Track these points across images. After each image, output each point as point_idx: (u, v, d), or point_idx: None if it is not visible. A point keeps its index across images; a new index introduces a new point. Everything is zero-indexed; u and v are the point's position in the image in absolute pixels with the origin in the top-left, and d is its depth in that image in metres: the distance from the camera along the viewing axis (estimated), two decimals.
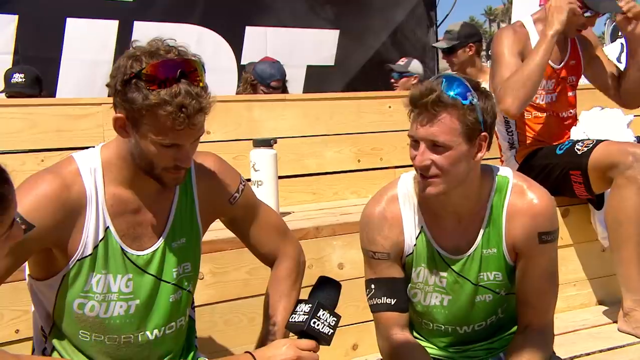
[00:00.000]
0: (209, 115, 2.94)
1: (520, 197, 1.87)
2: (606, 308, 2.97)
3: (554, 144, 3.00)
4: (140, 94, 1.51)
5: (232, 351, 2.34)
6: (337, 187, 3.35)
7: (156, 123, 1.52)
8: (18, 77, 4.05)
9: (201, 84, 1.54)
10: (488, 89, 3.77)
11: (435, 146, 1.75)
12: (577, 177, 2.85)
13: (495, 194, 1.88)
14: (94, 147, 1.70)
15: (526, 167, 3.00)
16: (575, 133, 3.07)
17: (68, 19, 4.66)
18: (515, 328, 1.98)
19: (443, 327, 1.97)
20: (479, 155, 1.79)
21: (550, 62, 2.97)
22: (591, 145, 2.82)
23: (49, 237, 1.58)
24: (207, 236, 1.97)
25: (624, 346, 2.57)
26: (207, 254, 2.29)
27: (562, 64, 3.04)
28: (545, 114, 3.05)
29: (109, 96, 1.63)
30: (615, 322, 2.74)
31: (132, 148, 1.61)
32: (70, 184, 1.61)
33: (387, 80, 4.99)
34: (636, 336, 2.63)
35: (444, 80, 1.75)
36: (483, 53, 5.20)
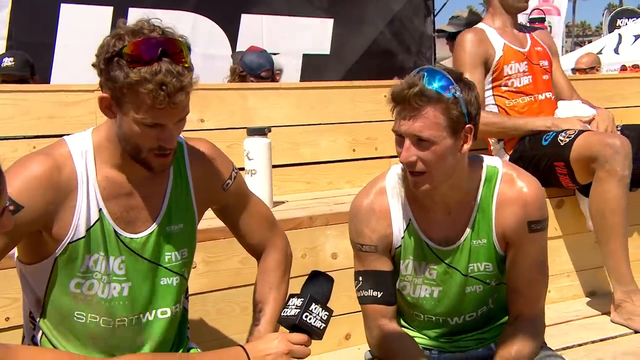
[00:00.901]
0: (202, 102, 2.91)
1: (510, 185, 1.87)
2: (599, 299, 2.97)
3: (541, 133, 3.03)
4: (122, 72, 1.51)
5: (225, 340, 2.34)
6: (331, 176, 3.34)
7: (137, 101, 1.52)
8: (8, 61, 4.05)
9: (185, 64, 1.53)
10: None
11: (420, 141, 1.74)
12: (561, 169, 2.87)
13: (484, 184, 1.87)
14: (76, 133, 1.69)
15: (517, 158, 3.03)
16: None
17: (62, 5, 4.64)
18: (506, 318, 1.98)
19: (434, 318, 1.97)
20: (465, 147, 1.79)
21: (514, 46, 3.14)
22: (573, 135, 2.84)
23: (39, 219, 1.58)
24: (200, 225, 1.96)
25: (616, 337, 2.57)
26: (199, 243, 2.24)
27: (527, 48, 3.18)
28: (526, 99, 3.12)
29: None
30: (608, 313, 2.75)
31: (118, 130, 1.60)
32: (61, 166, 1.60)
33: (387, 70, 4.96)
34: (628, 327, 2.64)
35: (426, 73, 1.73)
36: None
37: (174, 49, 1.53)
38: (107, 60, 1.53)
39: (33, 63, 4.17)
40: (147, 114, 1.53)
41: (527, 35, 3.25)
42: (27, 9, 4.59)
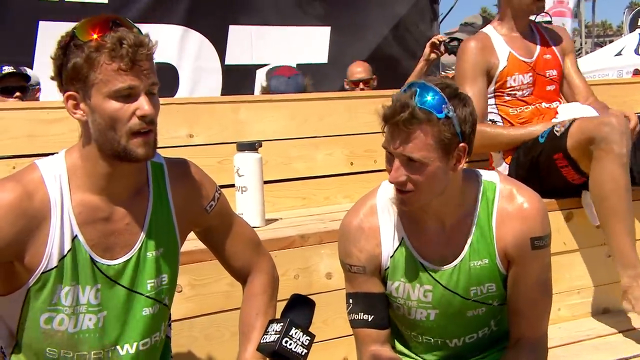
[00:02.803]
0: (191, 116, 2.90)
1: (510, 201, 1.87)
2: (613, 317, 2.94)
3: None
4: (80, 50, 1.55)
5: None
6: (328, 191, 3.33)
7: (101, 70, 1.55)
8: (8, 69, 4.08)
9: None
10: None
11: (411, 162, 1.74)
12: (561, 161, 2.85)
13: (481, 200, 1.87)
14: (57, 152, 1.70)
15: (515, 166, 3.05)
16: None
17: (41, 22, 4.68)
18: None
19: (432, 340, 1.97)
20: (458, 166, 1.79)
21: (520, 56, 3.12)
22: (568, 124, 2.84)
23: (10, 249, 1.58)
24: (186, 246, 1.97)
25: (630, 358, 2.55)
26: (185, 265, 2.27)
27: (534, 57, 3.17)
28: (530, 107, 3.13)
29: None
30: (622, 332, 2.73)
31: (91, 128, 1.60)
32: (32, 192, 1.60)
33: (391, 77, 4.96)
34: (637, 313, 2.60)
35: (418, 90, 1.72)
36: None
37: (123, 22, 1.60)
38: (63, 51, 1.57)
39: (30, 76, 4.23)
40: (115, 80, 1.55)
41: (538, 39, 3.22)
42: (5, 27, 4.62)
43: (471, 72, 3.10)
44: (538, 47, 3.20)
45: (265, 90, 4.16)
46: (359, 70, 4.86)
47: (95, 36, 1.55)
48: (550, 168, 2.89)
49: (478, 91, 3.05)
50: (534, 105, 3.14)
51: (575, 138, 2.78)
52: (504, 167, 3.11)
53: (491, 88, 3.14)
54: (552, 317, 2.78)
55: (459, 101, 1.76)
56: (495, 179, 1.91)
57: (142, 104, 1.58)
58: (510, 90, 3.13)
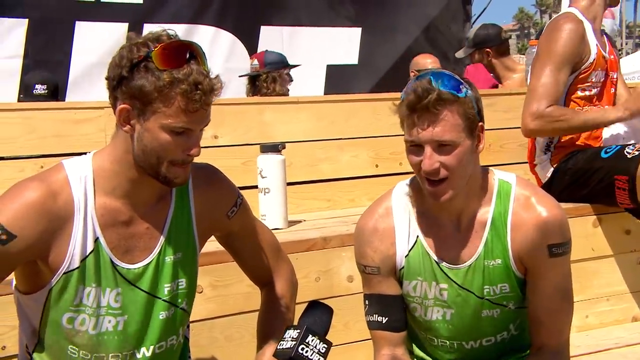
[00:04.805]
0: (217, 118, 2.93)
1: (526, 207, 1.84)
2: None
3: (596, 146, 2.94)
4: (152, 76, 1.55)
5: None
6: (353, 193, 3.33)
7: (169, 104, 1.55)
8: (40, 89, 4.10)
9: (206, 69, 1.59)
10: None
11: (441, 146, 1.74)
12: (622, 184, 2.76)
13: (496, 200, 1.86)
14: (85, 154, 1.72)
15: (562, 171, 2.96)
16: (609, 132, 2.99)
17: (77, 22, 4.78)
18: None
19: (448, 342, 1.94)
20: (480, 146, 1.81)
21: (602, 51, 2.94)
22: None
23: (33, 249, 1.59)
24: (207, 247, 1.98)
25: None
26: (207, 266, 2.29)
27: (607, 55, 2.98)
28: (594, 109, 2.97)
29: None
30: None
31: (135, 145, 1.61)
32: (57, 192, 1.61)
33: None
34: None
35: (432, 77, 1.73)
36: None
37: (198, 53, 1.59)
38: (132, 67, 1.56)
39: (57, 83, 4.29)
40: (178, 118, 1.56)
41: (605, 38, 3.02)
42: (43, 27, 4.73)
43: (562, 58, 2.83)
44: (607, 45, 3.00)
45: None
46: (429, 61, 4.71)
47: (169, 71, 1.54)
48: (604, 184, 2.80)
49: (562, 79, 2.83)
50: (597, 107, 2.96)
51: None
52: (549, 170, 3.01)
53: (570, 78, 2.90)
54: (579, 324, 2.77)
55: (468, 83, 1.79)
56: (512, 180, 1.88)
57: (195, 144, 1.61)
58: (588, 86, 2.92)
